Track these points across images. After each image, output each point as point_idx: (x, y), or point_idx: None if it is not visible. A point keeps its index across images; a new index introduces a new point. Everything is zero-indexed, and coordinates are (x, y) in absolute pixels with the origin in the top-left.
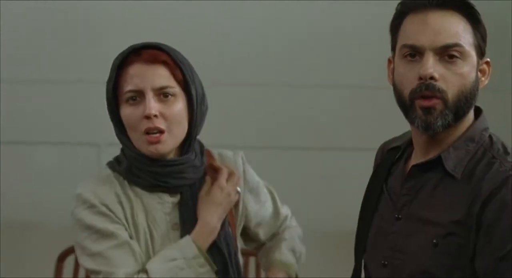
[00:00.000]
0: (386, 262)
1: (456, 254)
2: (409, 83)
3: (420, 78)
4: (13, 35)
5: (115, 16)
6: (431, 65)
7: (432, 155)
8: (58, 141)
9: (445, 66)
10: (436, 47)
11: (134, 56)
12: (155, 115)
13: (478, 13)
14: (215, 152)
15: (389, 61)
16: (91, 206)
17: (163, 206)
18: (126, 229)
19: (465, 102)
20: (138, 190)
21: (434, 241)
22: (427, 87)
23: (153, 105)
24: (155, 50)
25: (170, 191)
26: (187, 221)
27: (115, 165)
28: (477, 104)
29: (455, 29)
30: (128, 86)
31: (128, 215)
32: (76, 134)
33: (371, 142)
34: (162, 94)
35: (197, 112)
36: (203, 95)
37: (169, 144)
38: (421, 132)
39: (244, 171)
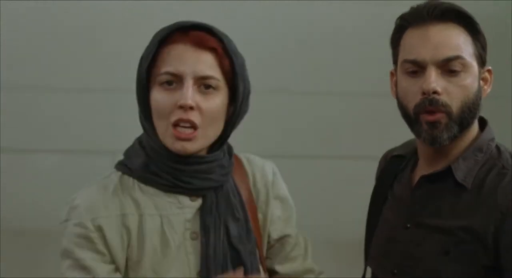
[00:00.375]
0: (396, 271)
1: (467, 262)
2: (413, 98)
3: (424, 93)
4: (15, 36)
5: (117, 21)
6: (434, 80)
7: (438, 165)
8: (69, 149)
9: (448, 79)
10: (438, 61)
11: (180, 35)
12: (191, 107)
13: (477, 23)
14: (241, 155)
15: (392, 74)
16: (80, 226)
17: (182, 210)
18: (110, 261)
19: (469, 113)
20: (153, 190)
21: (446, 249)
22: (431, 103)
23: (191, 94)
24: (205, 32)
25: (192, 193)
26: (209, 230)
27: (125, 163)
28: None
29: (456, 41)
30: (166, 67)
31: (132, 227)
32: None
33: (379, 150)
34: (203, 85)
35: (239, 111)
36: (249, 93)
37: (199, 143)
38: (426, 145)
39: (273, 182)
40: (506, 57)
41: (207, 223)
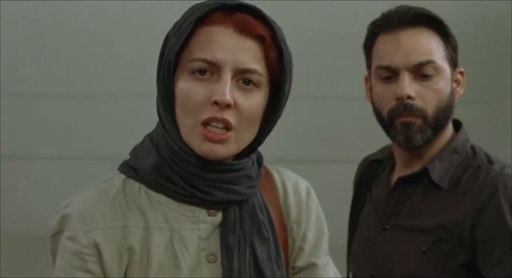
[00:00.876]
0: (375, 273)
1: (444, 259)
2: (387, 103)
3: (398, 99)
4: (15, 41)
5: (118, 26)
6: (407, 85)
7: (414, 167)
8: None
9: (421, 83)
10: (411, 66)
11: (221, 15)
12: (228, 105)
13: (448, 26)
14: (271, 167)
15: (366, 80)
16: (71, 240)
17: (197, 226)
18: None
19: (444, 116)
20: (163, 199)
21: (423, 248)
22: (405, 108)
23: (229, 90)
24: (252, 16)
25: (211, 206)
26: (231, 252)
27: (131, 164)
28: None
29: (427, 45)
30: (202, 52)
31: (135, 243)
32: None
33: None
34: (243, 79)
35: (279, 114)
36: (289, 93)
37: (232, 147)
38: (402, 148)
39: (307, 202)
40: (506, 57)
41: (230, 243)
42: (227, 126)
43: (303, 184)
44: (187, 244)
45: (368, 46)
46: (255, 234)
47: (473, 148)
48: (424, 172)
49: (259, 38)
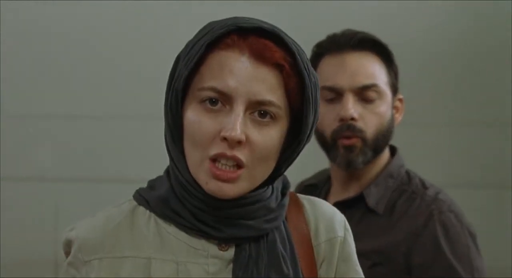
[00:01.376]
0: None
1: None
2: (330, 124)
3: (341, 119)
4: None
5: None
6: (351, 106)
7: (352, 190)
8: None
9: (363, 106)
10: (355, 88)
11: (237, 39)
12: (239, 142)
13: (392, 53)
14: (303, 197)
15: None
16: (72, 266)
17: (206, 260)
18: None
19: (383, 139)
20: (172, 229)
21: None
22: (348, 128)
23: (241, 124)
24: (269, 41)
25: (221, 241)
26: None
27: (144, 193)
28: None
29: (372, 69)
30: (213, 81)
31: (135, 273)
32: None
33: None
34: (258, 112)
35: (302, 146)
36: (315, 123)
37: (242, 186)
38: (341, 169)
39: (343, 240)
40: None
41: None
42: (238, 164)
43: (340, 219)
44: None
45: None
46: (273, 270)
47: (408, 173)
48: (361, 197)
49: (277, 67)
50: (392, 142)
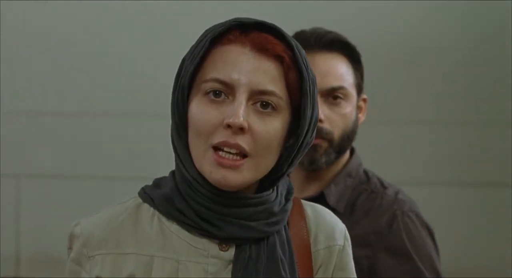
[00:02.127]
0: None
1: None
2: None
3: None
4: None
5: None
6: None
7: (311, 190)
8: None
9: (330, 107)
10: (323, 90)
11: (238, 35)
12: (242, 129)
13: (359, 54)
14: (307, 204)
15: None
16: (75, 263)
17: (206, 260)
18: None
19: (348, 141)
20: (175, 228)
21: None
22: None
23: (243, 112)
24: (269, 34)
25: (222, 241)
26: None
27: (149, 191)
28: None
29: (340, 71)
30: (216, 72)
31: (138, 272)
32: None
33: None
34: (261, 102)
35: (302, 142)
36: (317, 121)
37: (246, 175)
38: (303, 169)
39: (342, 250)
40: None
41: None
42: (242, 153)
43: (341, 229)
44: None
45: None
46: (271, 274)
47: (366, 172)
48: (321, 196)
49: (278, 58)
50: (390, 140)
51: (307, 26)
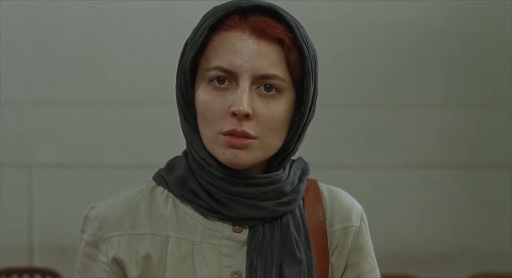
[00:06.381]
0: None
1: None
2: None
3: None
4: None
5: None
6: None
7: None
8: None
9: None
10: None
11: (238, 19)
12: (247, 115)
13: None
14: (324, 185)
15: None
16: (90, 245)
17: (219, 242)
18: None
19: None
20: (189, 210)
21: None
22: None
23: (247, 99)
24: (269, 17)
25: (235, 222)
26: (254, 272)
27: (163, 174)
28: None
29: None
30: (218, 60)
31: (153, 252)
32: None
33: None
34: (264, 85)
35: (306, 120)
36: (317, 94)
37: (257, 154)
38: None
39: (359, 230)
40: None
41: (255, 263)
42: (248, 138)
43: (358, 210)
44: (207, 259)
45: None
46: (286, 254)
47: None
48: None
49: (278, 41)
50: (384, 124)
51: (307, 26)
